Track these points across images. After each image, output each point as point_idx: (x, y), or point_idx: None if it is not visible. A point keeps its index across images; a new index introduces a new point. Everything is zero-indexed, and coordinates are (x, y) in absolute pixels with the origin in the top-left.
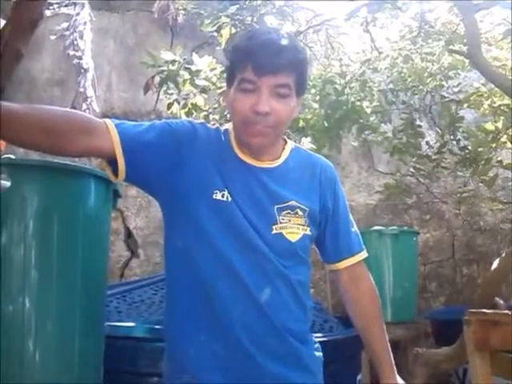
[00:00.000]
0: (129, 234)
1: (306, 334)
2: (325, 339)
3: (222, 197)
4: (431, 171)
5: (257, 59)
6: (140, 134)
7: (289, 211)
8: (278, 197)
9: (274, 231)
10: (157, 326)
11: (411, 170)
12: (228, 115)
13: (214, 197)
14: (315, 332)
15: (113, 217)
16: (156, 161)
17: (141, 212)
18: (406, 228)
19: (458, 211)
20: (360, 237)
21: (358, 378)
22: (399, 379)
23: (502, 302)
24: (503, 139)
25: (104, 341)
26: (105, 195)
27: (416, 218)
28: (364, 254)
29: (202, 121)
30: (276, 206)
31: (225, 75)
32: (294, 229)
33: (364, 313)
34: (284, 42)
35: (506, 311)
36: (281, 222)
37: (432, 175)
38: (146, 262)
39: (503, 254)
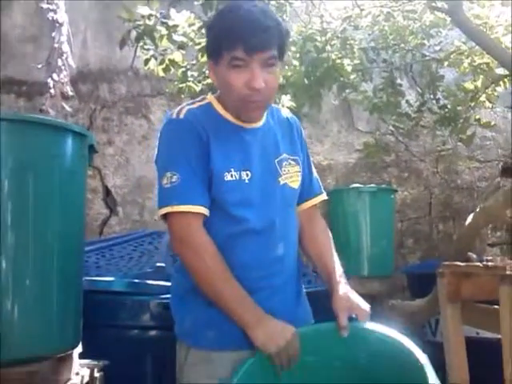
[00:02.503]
0: (107, 193)
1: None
2: (307, 291)
3: (239, 176)
4: (410, 130)
5: (247, 40)
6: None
7: (285, 162)
8: (273, 151)
9: (281, 182)
10: (136, 280)
11: (391, 128)
12: (209, 80)
13: (227, 178)
14: None
15: (91, 175)
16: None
17: (119, 170)
18: (384, 186)
19: (435, 169)
20: (320, 181)
21: None
22: (347, 288)
23: (474, 256)
24: (482, 98)
25: (83, 296)
26: (81, 150)
27: (394, 176)
28: (324, 196)
29: (185, 109)
30: (276, 160)
31: (203, 31)
32: (294, 177)
33: (318, 245)
34: (267, 18)
35: (478, 263)
36: (283, 174)
37: (411, 134)
38: (125, 220)
39: (477, 210)
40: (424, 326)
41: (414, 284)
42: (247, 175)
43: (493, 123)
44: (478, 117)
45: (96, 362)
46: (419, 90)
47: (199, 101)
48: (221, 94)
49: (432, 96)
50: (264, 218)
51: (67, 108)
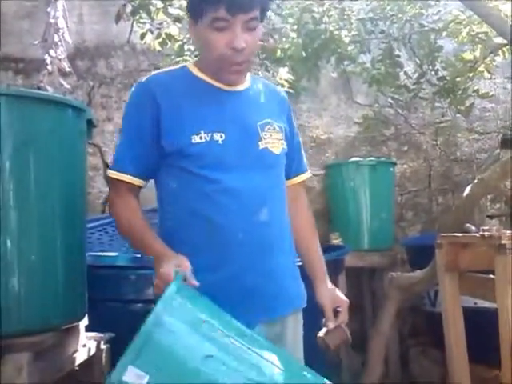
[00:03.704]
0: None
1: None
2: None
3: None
4: (409, 102)
5: (230, 1)
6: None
7: (268, 127)
8: (256, 115)
9: (261, 146)
10: (139, 255)
11: (389, 100)
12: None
13: (195, 141)
14: None
15: (91, 152)
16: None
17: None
18: (383, 159)
19: (435, 142)
20: (305, 158)
21: None
22: (330, 284)
23: (473, 227)
24: (481, 68)
25: (87, 271)
26: (79, 124)
27: (394, 150)
28: (309, 174)
29: (152, 74)
30: (258, 124)
31: None
32: (276, 143)
33: (301, 226)
34: None
35: (475, 234)
36: (264, 138)
37: (410, 106)
38: None
39: (475, 181)
40: (423, 297)
41: (414, 256)
42: (221, 137)
43: (492, 94)
44: (476, 88)
45: (102, 335)
46: (418, 61)
47: (176, 67)
48: (200, 56)
49: (431, 67)
50: (241, 179)
51: (65, 85)
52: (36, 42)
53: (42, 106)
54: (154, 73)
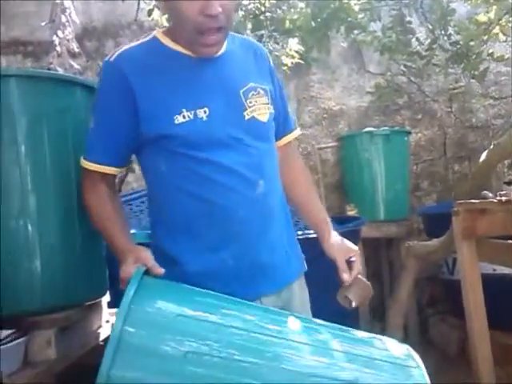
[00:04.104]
0: None
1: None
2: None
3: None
4: (422, 69)
5: None
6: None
7: (252, 92)
8: (238, 81)
9: (247, 116)
10: None
11: (402, 68)
12: None
13: (178, 121)
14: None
15: None
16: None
17: None
18: (397, 128)
19: (449, 109)
20: (293, 116)
21: None
22: (337, 235)
23: (490, 194)
24: (496, 30)
25: (107, 249)
26: (90, 102)
27: (408, 118)
28: (298, 132)
29: (121, 50)
30: (241, 91)
31: None
32: (262, 109)
33: (301, 191)
34: None
35: (492, 199)
36: (250, 106)
37: (423, 73)
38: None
39: (491, 146)
40: (441, 266)
41: (430, 225)
42: (205, 112)
43: (507, 57)
44: (491, 51)
45: None
46: (430, 26)
47: (144, 37)
48: (172, 27)
49: (443, 32)
50: (233, 154)
51: (75, 66)
52: (43, 24)
53: (53, 86)
54: (122, 48)
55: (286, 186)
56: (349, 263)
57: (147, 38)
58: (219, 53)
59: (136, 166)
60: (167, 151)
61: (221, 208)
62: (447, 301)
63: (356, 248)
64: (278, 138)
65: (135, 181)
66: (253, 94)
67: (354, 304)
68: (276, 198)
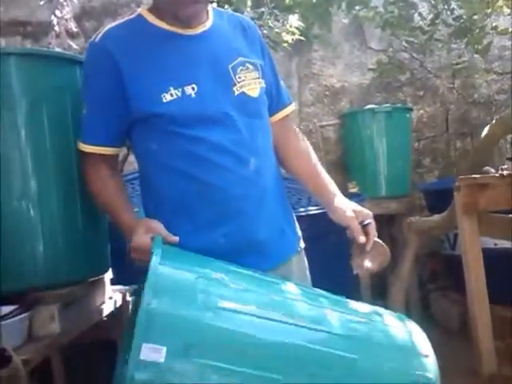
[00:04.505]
0: None
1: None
2: (317, 212)
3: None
4: (424, 44)
5: None
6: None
7: (241, 67)
8: (226, 56)
9: (237, 92)
10: None
11: (404, 44)
12: None
13: (166, 99)
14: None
15: None
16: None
17: None
18: (399, 105)
19: (452, 85)
20: (287, 90)
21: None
22: (348, 201)
23: (492, 170)
24: (499, 3)
25: (110, 227)
26: None
27: (410, 95)
28: (293, 107)
29: (106, 29)
30: (229, 66)
31: None
32: (252, 84)
33: (296, 155)
34: None
35: (494, 174)
36: (239, 81)
37: (425, 49)
38: None
39: (493, 121)
40: (443, 241)
41: (432, 201)
42: (193, 89)
43: (511, 30)
44: (495, 24)
45: (127, 287)
46: (432, 1)
47: (129, 15)
48: (154, 2)
49: (446, 6)
50: (223, 132)
51: (74, 46)
52: (41, 3)
53: (52, 64)
54: (107, 27)
55: (287, 160)
56: (363, 228)
57: (132, 16)
58: (206, 28)
59: None
60: (157, 130)
61: (212, 187)
62: (448, 276)
63: (370, 212)
64: (273, 113)
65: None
66: (242, 69)
67: (371, 269)
68: (270, 175)
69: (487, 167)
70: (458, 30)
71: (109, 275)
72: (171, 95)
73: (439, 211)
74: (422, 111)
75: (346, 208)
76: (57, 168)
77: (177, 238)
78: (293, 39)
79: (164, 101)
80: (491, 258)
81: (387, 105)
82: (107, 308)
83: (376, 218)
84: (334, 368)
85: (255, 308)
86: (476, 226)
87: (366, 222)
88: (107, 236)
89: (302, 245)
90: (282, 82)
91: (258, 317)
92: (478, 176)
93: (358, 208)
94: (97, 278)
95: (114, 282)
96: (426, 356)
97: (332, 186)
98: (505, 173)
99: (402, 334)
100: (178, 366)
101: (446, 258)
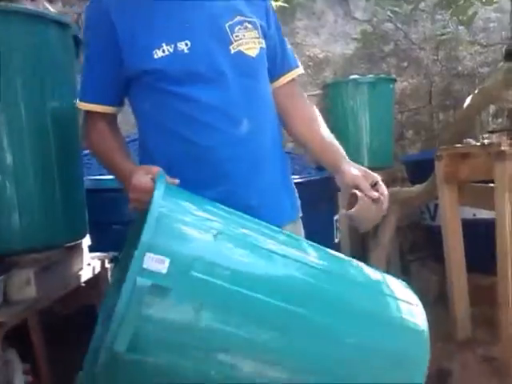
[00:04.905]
0: None
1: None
2: (302, 180)
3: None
4: (409, 15)
5: None
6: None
7: (239, 26)
8: (224, 14)
9: (233, 50)
10: None
11: (389, 14)
12: None
13: (158, 55)
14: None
15: None
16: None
17: None
18: (382, 76)
19: (436, 57)
20: (294, 53)
21: (335, 217)
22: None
23: (473, 142)
24: None
25: (88, 195)
26: (64, 40)
27: (393, 66)
28: (300, 71)
29: None
30: (226, 24)
31: None
32: (250, 44)
33: (302, 120)
34: None
35: (475, 143)
36: (236, 40)
37: (410, 20)
38: (124, 125)
39: (476, 91)
40: (423, 212)
41: (414, 173)
42: (186, 45)
43: (495, 0)
44: None
45: (106, 254)
46: None
47: None
48: None
49: None
50: (215, 91)
51: (51, 10)
52: None
53: (25, 21)
54: None
55: (293, 126)
56: (373, 188)
57: None
58: None
59: (120, 116)
60: (149, 88)
61: (203, 148)
62: (428, 246)
63: (377, 175)
64: (278, 76)
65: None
66: (239, 28)
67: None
68: (267, 139)
69: (469, 139)
70: (442, 0)
71: (87, 242)
72: (163, 51)
73: (421, 182)
74: (405, 83)
75: (355, 170)
76: (31, 134)
77: (177, 181)
78: (276, 5)
79: (155, 57)
80: (470, 228)
81: (371, 75)
82: (85, 274)
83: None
84: (311, 302)
85: (251, 240)
86: (456, 196)
87: (375, 182)
88: (84, 202)
89: (300, 214)
90: (288, 46)
91: (254, 249)
92: (459, 145)
93: (367, 170)
94: (73, 243)
95: (92, 249)
96: (412, 304)
97: (340, 150)
98: (485, 141)
99: (390, 284)
100: (181, 280)
101: (426, 228)
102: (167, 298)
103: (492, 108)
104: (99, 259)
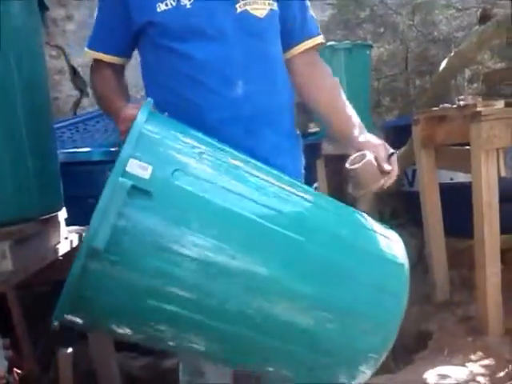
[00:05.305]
0: (74, 72)
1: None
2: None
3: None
4: None
5: None
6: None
7: None
8: None
9: (239, 9)
10: (113, 149)
11: None
12: None
13: (161, 8)
14: None
15: (54, 55)
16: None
17: (83, 48)
18: (359, 42)
19: (411, 22)
20: (316, 21)
21: (315, 185)
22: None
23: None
24: None
25: (62, 169)
26: (28, 8)
27: (370, 32)
28: (321, 39)
29: None
30: None
31: None
32: (258, 4)
33: (321, 93)
34: None
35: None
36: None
37: None
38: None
39: (451, 54)
40: (401, 179)
41: (391, 138)
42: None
43: None
44: None
45: (83, 227)
46: None
47: None
48: None
49: None
50: (214, 49)
51: None
52: None
53: None
54: None
55: (311, 95)
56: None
57: None
58: None
59: (90, 90)
60: (151, 43)
61: (197, 107)
62: (407, 212)
63: (395, 151)
64: (296, 43)
65: (90, 105)
66: None
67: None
68: (271, 103)
69: (445, 104)
70: None
71: (63, 215)
72: (166, 5)
73: (397, 148)
74: (381, 49)
75: (377, 140)
76: (1, 105)
77: (166, 114)
78: None
79: (158, 10)
80: (447, 192)
81: (347, 42)
82: (63, 248)
83: (337, 157)
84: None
85: (226, 179)
86: (433, 159)
87: (391, 152)
88: (58, 174)
89: (302, 181)
90: (310, 12)
91: (227, 188)
92: (436, 109)
93: (386, 144)
94: (48, 216)
95: (68, 223)
96: (391, 239)
97: (358, 122)
98: (461, 103)
99: (370, 221)
100: (163, 188)
101: (404, 194)
102: (149, 202)
103: (468, 73)
104: (77, 233)
